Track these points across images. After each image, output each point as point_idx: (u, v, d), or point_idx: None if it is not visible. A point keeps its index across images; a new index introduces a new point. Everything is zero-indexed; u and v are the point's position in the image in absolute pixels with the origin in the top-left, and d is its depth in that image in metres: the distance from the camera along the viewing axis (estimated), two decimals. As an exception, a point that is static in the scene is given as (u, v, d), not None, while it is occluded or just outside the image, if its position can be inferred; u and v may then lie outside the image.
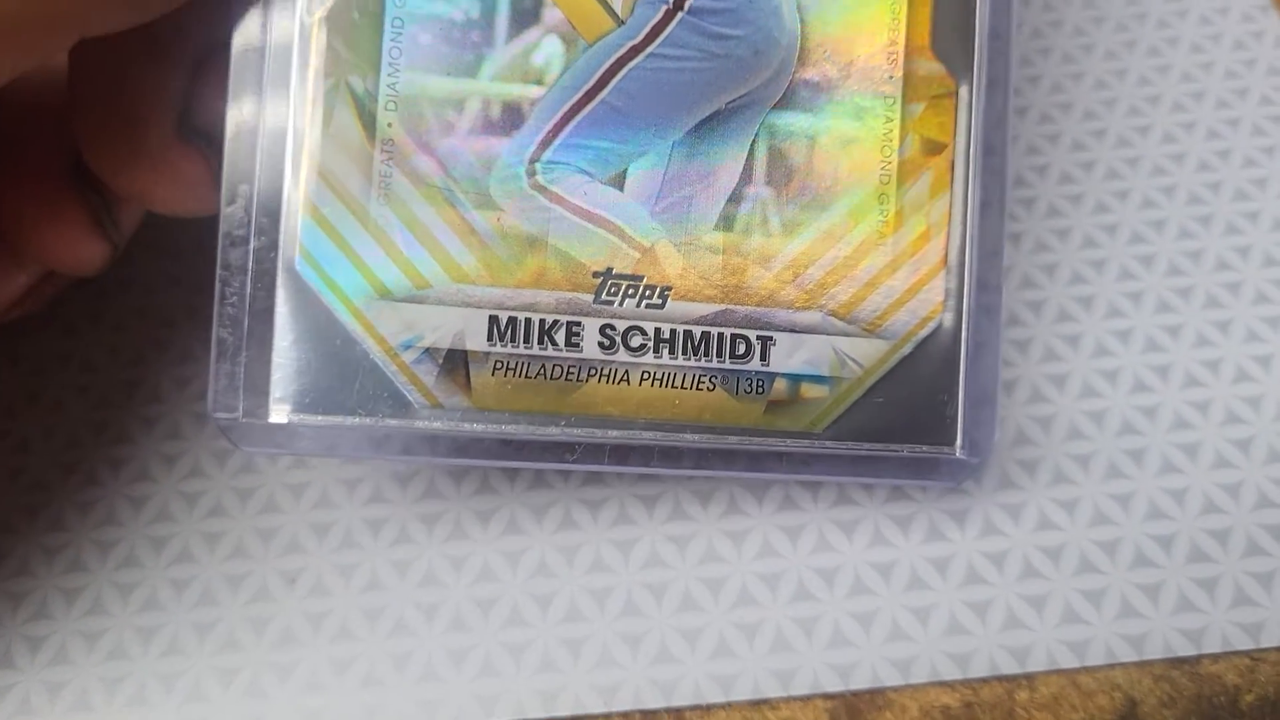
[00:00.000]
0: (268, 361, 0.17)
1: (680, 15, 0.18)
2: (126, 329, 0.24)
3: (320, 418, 0.17)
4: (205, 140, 0.18)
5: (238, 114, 0.17)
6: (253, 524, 0.21)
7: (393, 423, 0.17)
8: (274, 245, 0.17)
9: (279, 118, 0.17)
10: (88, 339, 0.23)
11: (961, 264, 0.18)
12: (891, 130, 0.18)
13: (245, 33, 0.17)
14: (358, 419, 0.17)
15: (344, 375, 0.17)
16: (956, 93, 0.18)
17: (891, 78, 0.18)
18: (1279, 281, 0.24)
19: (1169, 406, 0.22)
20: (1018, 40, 0.19)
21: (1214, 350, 0.23)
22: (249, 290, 0.17)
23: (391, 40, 0.17)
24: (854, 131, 0.18)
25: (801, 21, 0.18)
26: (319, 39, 0.17)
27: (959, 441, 0.18)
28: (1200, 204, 0.25)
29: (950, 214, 0.18)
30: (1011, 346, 0.23)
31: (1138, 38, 0.28)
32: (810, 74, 0.18)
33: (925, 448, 0.18)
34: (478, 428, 0.18)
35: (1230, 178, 0.26)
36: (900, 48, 0.18)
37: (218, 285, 0.17)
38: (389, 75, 0.17)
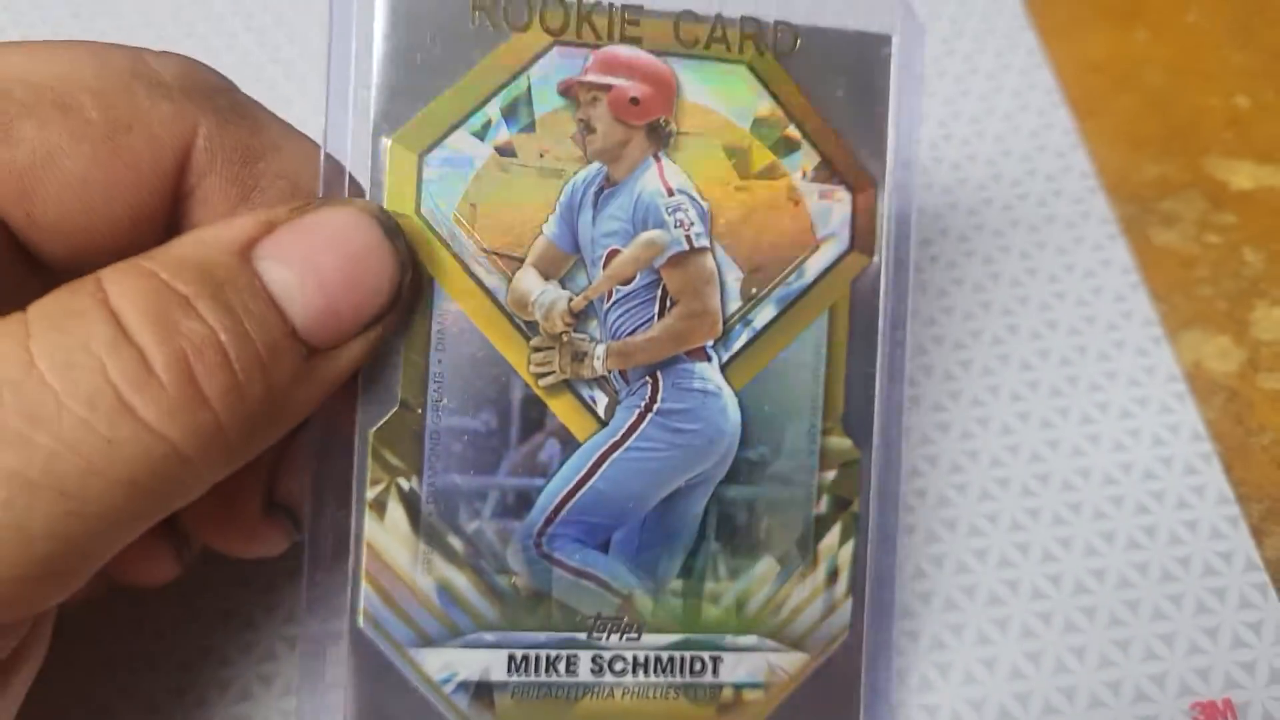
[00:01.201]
0: (341, 698, 0.22)
1: (650, 415, 0.23)
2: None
3: (381, 738, 0.23)
4: (286, 513, 0.23)
5: (310, 513, 0.22)
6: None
7: (436, 739, 0.23)
8: (343, 612, 0.22)
9: (343, 515, 0.22)
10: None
11: (862, 591, 0.24)
12: (810, 494, 0.24)
13: (313, 445, 0.22)
14: (409, 737, 0.23)
15: (399, 705, 0.23)
16: (860, 460, 0.24)
17: (812, 453, 0.24)
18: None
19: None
20: (909, 411, 0.25)
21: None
22: (326, 651, 0.22)
23: (430, 449, 0.22)
24: (783, 497, 0.24)
25: (743, 414, 0.24)
26: (374, 450, 0.22)
27: (861, 723, 0.25)
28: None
29: (855, 555, 0.24)
30: (906, 638, 0.29)
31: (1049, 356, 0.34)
32: (750, 454, 0.24)
33: (836, 730, 0.24)
34: (501, 737, 0.23)
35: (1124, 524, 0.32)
36: (819, 429, 0.24)
37: (301, 653, 0.22)
38: (429, 476, 0.22)
